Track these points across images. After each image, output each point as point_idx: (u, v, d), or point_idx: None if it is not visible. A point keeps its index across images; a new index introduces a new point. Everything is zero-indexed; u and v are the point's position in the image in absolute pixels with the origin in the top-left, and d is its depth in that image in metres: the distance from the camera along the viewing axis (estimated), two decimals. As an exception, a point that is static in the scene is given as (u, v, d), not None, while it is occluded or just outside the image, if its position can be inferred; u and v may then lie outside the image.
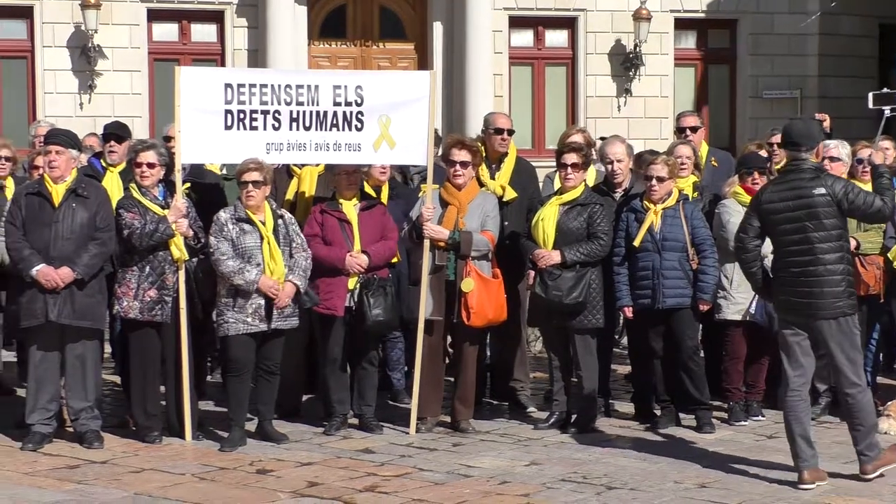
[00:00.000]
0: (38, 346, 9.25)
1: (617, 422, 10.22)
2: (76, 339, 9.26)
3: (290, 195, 10.26)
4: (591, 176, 10.52)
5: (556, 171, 10.53)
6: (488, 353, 10.81)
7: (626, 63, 21.61)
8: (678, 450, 9.27)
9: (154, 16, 20.64)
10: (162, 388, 9.65)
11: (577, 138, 10.68)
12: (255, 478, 8.50)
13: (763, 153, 11.16)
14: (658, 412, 10.12)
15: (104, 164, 10.73)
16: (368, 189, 10.18)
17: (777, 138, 12.51)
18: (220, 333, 9.35)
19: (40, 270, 9.05)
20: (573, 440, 9.57)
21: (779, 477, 8.42)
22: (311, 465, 8.79)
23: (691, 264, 9.74)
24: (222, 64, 20.46)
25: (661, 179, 9.75)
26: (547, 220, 9.74)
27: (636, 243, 9.69)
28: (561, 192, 9.88)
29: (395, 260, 10.07)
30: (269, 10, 20.25)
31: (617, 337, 11.62)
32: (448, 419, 9.99)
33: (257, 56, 20.52)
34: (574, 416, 9.88)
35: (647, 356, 10.00)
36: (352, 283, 9.68)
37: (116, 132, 10.83)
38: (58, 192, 9.24)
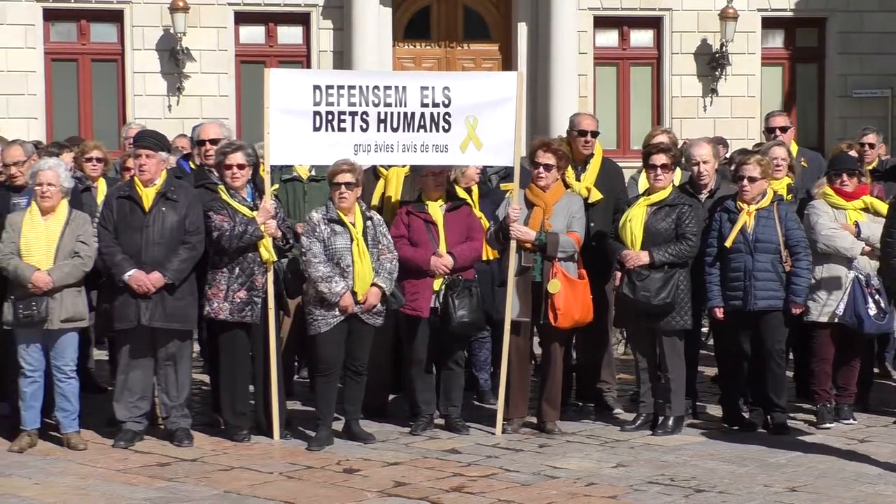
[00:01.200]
0: (130, 347, 9.39)
1: (705, 424, 10.14)
2: (167, 340, 9.38)
3: (376, 196, 10.31)
4: (676, 177, 10.44)
5: (640, 172, 10.49)
6: (574, 355, 10.77)
7: (712, 63, 21.45)
8: (767, 453, 9.18)
9: (241, 18, 20.84)
10: (250, 388, 9.74)
11: (662, 139, 10.64)
12: (342, 477, 8.55)
13: (853, 153, 11.02)
14: (746, 415, 10.02)
15: (192, 166, 10.84)
16: (460, 190, 10.21)
17: (869, 138, 12.38)
18: (309, 332, 9.40)
19: (132, 276, 9.17)
20: (660, 442, 9.51)
21: (870, 481, 8.32)
22: (398, 465, 8.83)
23: (784, 266, 9.63)
24: (308, 65, 20.64)
25: (752, 179, 9.66)
26: (635, 220, 9.69)
27: (728, 244, 9.61)
28: (649, 192, 9.82)
29: (491, 257, 10.07)
30: (355, 11, 20.36)
31: (704, 338, 11.53)
32: (534, 420, 9.98)
33: (342, 58, 20.64)
34: (661, 418, 9.81)
35: (736, 358, 9.91)
36: (437, 284, 9.70)
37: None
38: (148, 195, 9.35)
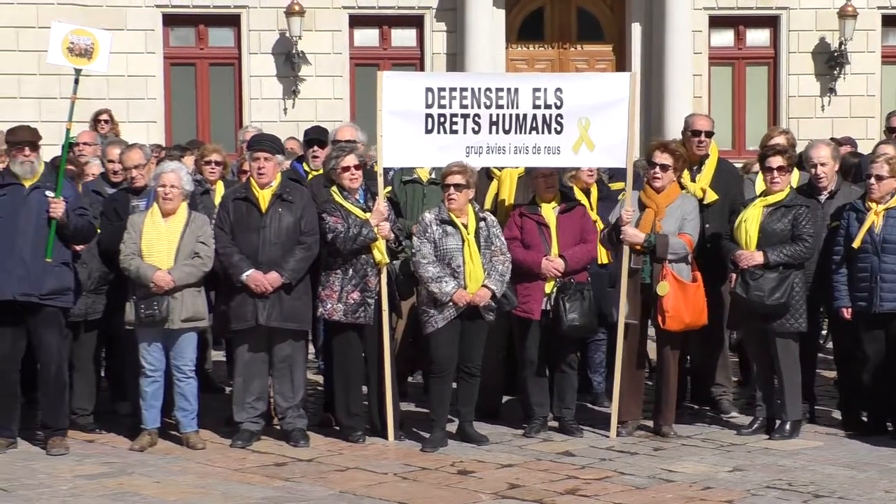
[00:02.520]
0: (247, 347, 9.50)
1: (822, 428, 9.99)
2: (283, 341, 9.48)
3: (489, 198, 10.32)
4: (794, 178, 10.31)
5: (756, 173, 10.36)
6: (689, 357, 10.68)
7: (830, 62, 21.13)
8: (888, 458, 9.02)
9: (355, 21, 21.01)
10: (364, 389, 9.81)
11: (779, 140, 10.52)
12: (456, 478, 8.58)
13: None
14: (866, 419, 9.86)
15: (306, 169, 10.95)
16: (579, 192, 10.18)
17: None
18: (425, 331, 9.45)
19: (250, 276, 9.29)
20: (777, 446, 9.39)
21: None
22: (512, 467, 8.82)
23: None
24: (421, 68, 20.73)
25: (879, 178, 9.50)
26: (750, 221, 9.58)
27: (855, 244, 9.45)
28: (766, 194, 9.71)
29: (605, 261, 10.03)
30: (468, 13, 20.41)
31: (822, 341, 11.35)
32: (649, 423, 9.92)
33: (455, 60, 20.70)
34: (778, 422, 9.69)
35: (857, 361, 9.74)
36: (549, 286, 9.68)
37: (319, 137, 11.03)
38: (264, 197, 9.47)
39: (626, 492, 8.19)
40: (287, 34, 20.40)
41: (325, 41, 20.73)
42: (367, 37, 21.26)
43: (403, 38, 21.32)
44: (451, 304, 9.29)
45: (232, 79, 20.91)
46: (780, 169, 9.59)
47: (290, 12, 20.22)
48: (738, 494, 8.11)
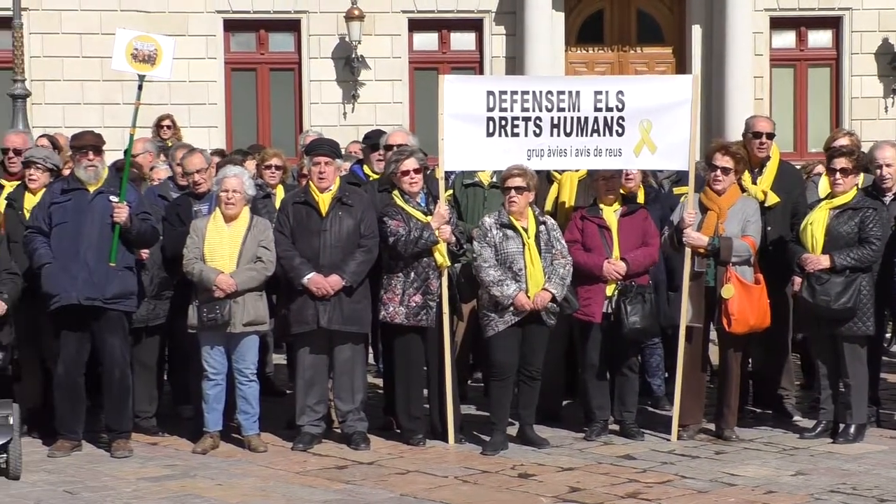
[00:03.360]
0: (308, 351, 9.54)
1: (888, 432, 9.88)
2: (343, 344, 9.51)
3: (549, 201, 10.30)
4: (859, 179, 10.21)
5: (819, 175, 10.28)
6: (750, 361, 10.60)
7: (893, 62, 20.94)
8: (954, 462, 8.93)
9: (415, 25, 21.06)
10: (425, 392, 9.82)
11: (843, 141, 10.44)
12: (517, 481, 8.57)
13: None
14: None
15: (367, 173, 10.97)
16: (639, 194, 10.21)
17: None
18: (486, 334, 9.44)
19: (311, 279, 9.33)
20: (841, 450, 9.29)
21: None
22: (573, 471, 8.80)
23: None
24: (480, 71, 20.75)
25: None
26: (816, 224, 9.50)
27: None
28: (831, 196, 9.62)
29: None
30: (527, 17, 20.40)
31: (886, 345, 11.23)
32: (711, 426, 9.86)
33: (514, 63, 20.70)
34: (842, 426, 9.60)
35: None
36: (610, 289, 9.65)
37: (379, 141, 11.04)
38: (324, 200, 9.51)
39: (688, 495, 8.15)
40: (347, 39, 20.48)
41: (384, 45, 20.79)
42: (427, 41, 21.31)
43: (463, 41, 21.35)
44: (511, 307, 9.28)
45: (292, 83, 21.03)
46: (843, 171, 9.50)
47: (349, 17, 20.30)
48: (802, 499, 8.05)
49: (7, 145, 10.34)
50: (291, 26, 20.87)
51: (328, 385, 9.70)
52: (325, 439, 9.65)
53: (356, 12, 20.26)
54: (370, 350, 10.38)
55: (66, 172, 9.98)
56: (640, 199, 10.39)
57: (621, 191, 10.04)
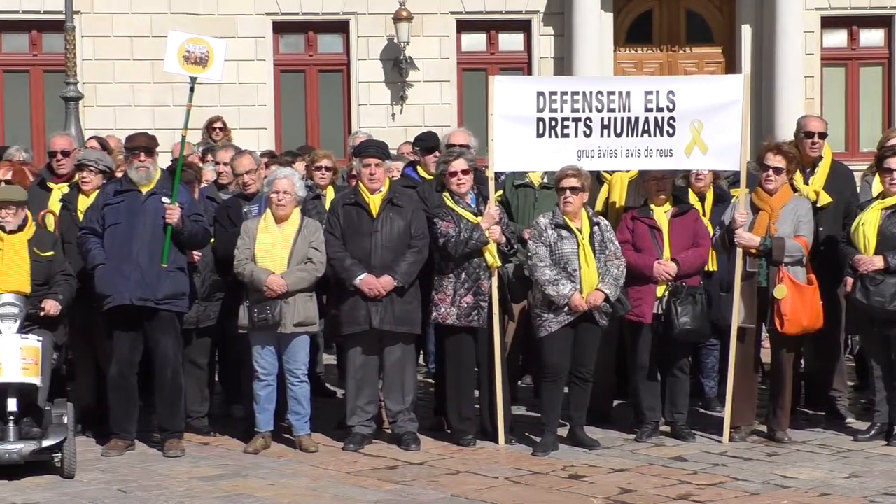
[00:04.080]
0: (359, 351, 9.56)
1: (943, 435, 9.80)
2: (394, 344, 9.53)
3: (600, 202, 10.29)
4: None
5: (873, 174, 10.19)
6: (803, 362, 10.54)
7: (946, 62, 20.75)
8: None
9: (463, 27, 21.06)
10: (475, 392, 9.82)
11: (897, 141, 10.34)
12: (567, 483, 8.55)
13: None
14: None
15: (422, 175, 10.98)
16: (693, 197, 10.13)
17: None
18: (538, 335, 9.43)
19: (363, 280, 9.35)
20: (896, 453, 9.25)
21: None
22: (624, 472, 8.78)
23: None
24: (528, 72, 20.72)
25: None
26: (868, 224, 9.43)
27: None
28: (884, 196, 9.55)
29: (711, 268, 9.96)
30: (576, 17, 20.36)
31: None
32: (763, 428, 9.80)
33: (563, 64, 20.67)
34: (896, 428, 9.53)
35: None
36: (660, 290, 9.62)
37: (436, 143, 11.04)
38: (375, 202, 9.53)
39: (740, 497, 8.11)
40: (395, 40, 20.52)
41: (432, 46, 20.81)
42: (475, 41, 21.30)
43: (511, 42, 21.33)
44: (565, 307, 9.27)
45: (340, 85, 21.08)
46: (897, 170, 9.44)
47: (398, 18, 20.34)
48: (856, 501, 7.98)
49: (54, 148, 10.43)
50: (340, 28, 20.92)
51: (379, 385, 9.72)
52: (375, 440, 9.67)
53: (404, 13, 20.29)
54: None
55: (120, 174, 10.05)
56: (709, 200, 10.35)
57: (693, 191, 10.02)
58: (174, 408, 9.45)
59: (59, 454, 8.66)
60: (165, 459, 9.24)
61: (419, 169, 10.96)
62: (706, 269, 9.98)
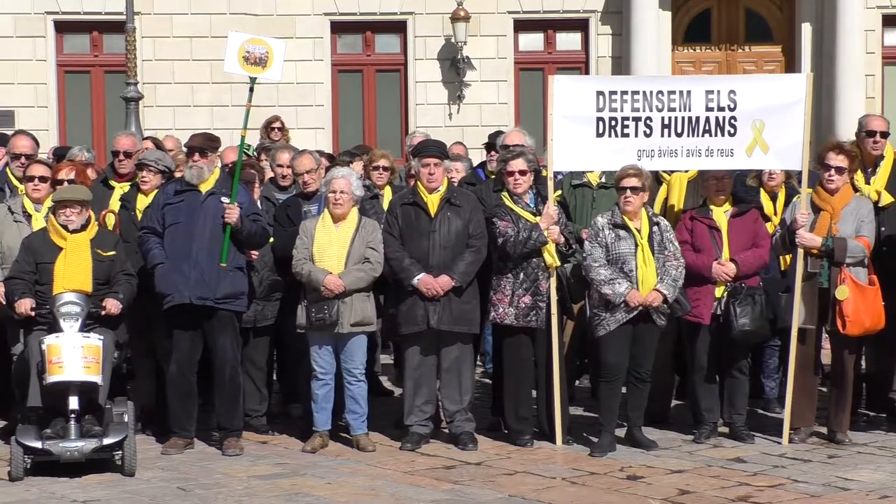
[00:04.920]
0: (416, 351, 9.57)
1: None
2: (452, 344, 9.53)
3: (658, 202, 10.24)
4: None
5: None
6: (864, 363, 10.44)
7: None
8: None
9: (520, 26, 21.03)
10: (533, 393, 9.80)
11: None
12: (625, 483, 8.52)
13: None
14: None
15: (487, 173, 10.99)
16: (765, 197, 10.06)
17: None
18: (596, 334, 9.41)
19: (421, 279, 9.36)
20: (960, 455, 9.15)
21: None
22: (682, 473, 8.74)
23: None
24: (586, 71, 20.68)
25: None
26: (931, 225, 9.35)
27: None
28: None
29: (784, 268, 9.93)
30: (634, 16, 20.28)
31: None
32: (823, 430, 9.72)
33: (620, 63, 20.59)
34: (961, 430, 9.43)
35: None
36: (719, 291, 9.57)
37: (494, 142, 11.06)
38: (433, 201, 9.54)
39: (800, 500, 8.05)
40: (452, 40, 20.52)
41: (490, 46, 20.80)
42: (532, 41, 21.27)
43: (568, 41, 21.27)
44: (623, 307, 9.23)
45: (398, 85, 21.11)
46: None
47: (455, 18, 20.34)
48: (918, 505, 7.92)
49: (117, 147, 10.52)
50: (398, 28, 20.96)
51: (436, 385, 9.73)
52: (432, 439, 9.67)
53: (462, 13, 20.30)
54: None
55: (179, 174, 10.12)
56: (781, 199, 10.28)
57: (765, 190, 9.96)
58: (233, 407, 9.50)
59: (120, 452, 8.73)
60: (224, 458, 9.29)
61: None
62: (781, 270, 9.93)
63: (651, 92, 9.64)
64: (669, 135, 9.62)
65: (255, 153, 13.24)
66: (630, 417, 9.58)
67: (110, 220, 9.88)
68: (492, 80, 20.82)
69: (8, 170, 10.77)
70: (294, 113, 19.87)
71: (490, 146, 11.02)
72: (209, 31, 19.95)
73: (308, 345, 9.50)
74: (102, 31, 20.41)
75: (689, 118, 9.61)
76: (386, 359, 12.24)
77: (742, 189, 10.32)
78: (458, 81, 20.72)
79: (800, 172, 9.82)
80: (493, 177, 10.76)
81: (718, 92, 9.62)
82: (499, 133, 11.29)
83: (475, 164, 12.28)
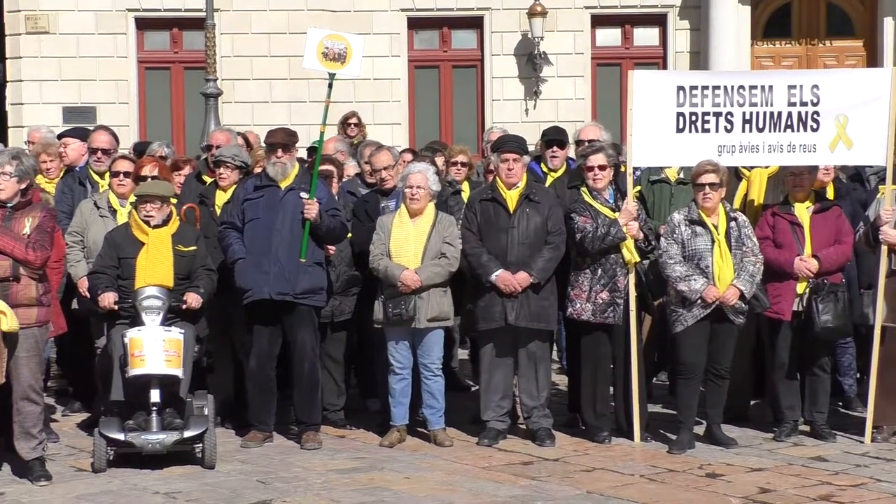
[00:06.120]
0: (494, 347, 9.56)
1: None
2: (529, 340, 9.51)
3: (738, 198, 10.16)
4: None
5: None
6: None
7: None
8: None
9: (597, 21, 20.94)
10: (610, 389, 9.76)
11: None
12: (704, 481, 8.46)
13: None
14: None
15: (544, 170, 10.96)
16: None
17: None
18: (673, 330, 9.35)
19: (499, 276, 9.35)
20: None
21: None
22: (762, 472, 8.66)
23: None
24: (664, 67, 20.54)
25: None
26: None
27: None
28: None
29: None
30: (713, 11, 20.12)
31: None
32: (905, 429, 9.61)
33: (699, 58, 20.43)
34: None
35: None
36: (801, 287, 9.47)
37: (559, 137, 11.02)
38: (512, 197, 9.52)
39: (883, 499, 7.97)
40: (529, 35, 20.47)
41: (566, 41, 20.73)
42: (609, 36, 21.16)
43: (646, 36, 21.15)
44: (699, 303, 9.17)
45: (474, 80, 21.09)
46: None
47: (532, 13, 20.29)
48: None
49: (213, 142, 10.62)
50: (474, 23, 20.95)
51: (513, 381, 9.72)
52: (509, 435, 9.66)
53: (539, 9, 20.23)
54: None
55: (258, 170, 10.19)
56: (829, 194, 10.17)
57: (816, 185, 9.85)
58: (311, 401, 9.55)
59: (201, 445, 8.81)
60: (303, 452, 9.34)
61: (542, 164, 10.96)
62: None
63: (732, 87, 9.56)
64: (751, 130, 9.54)
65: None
66: (709, 414, 9.51)
67: (193, 215, 9.93)
68: (568, 76, 20.74)
69: (89, 165, 10.90)
70: (371, 109, 19.88)
71: (551, 142, 10.92)
72: (287, 28, 20.06)
73: (385, 339, 9.52)
74: (182, 28, 20.59)
75: (771, 113, 9.52)
76: (463, 354, 12.24)
77: (842, 185, 10.28)
78: (535, 77, 20.67)
79: (881, 169, 9.70)
80: (552, 173, 10.72)
81: (801, 87, 9.53)
82: (556, 128, 11.21)
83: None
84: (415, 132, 20.81)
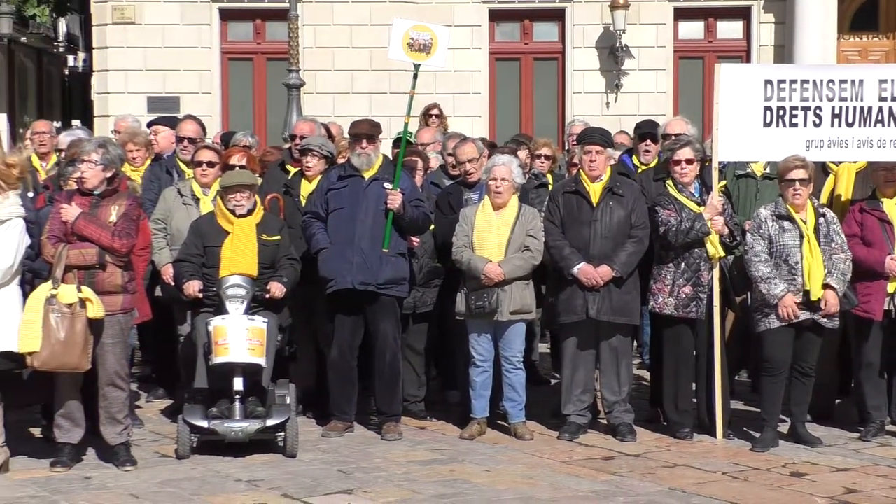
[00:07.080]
0: (575, 340, 9.52)
1: None
2: (611, 334, 9.47)
3: (825, 193, 10.03)
4: None
5: None
6: None
7: None
8: None
9: (681, 14, 20.77)
10: (693, 385, 9.68)
11: None
12: (788, 480, 8.37)
13: None
14: None
15: (636, 163, 10.89)
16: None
17: None
18: (757, 329, 9.25)
19: (581, 269, 9.30)
20: None
21: None
22: (848, 472, 8.55)
23: None
24: (747, 60, 20.30)
25: None
26: None
27: None
28: None
29: None
30: (798, 4, 19.86)
31: None
32: None
33: (783, 52, 20.20)
34: None
35: None
36: (892, 286, 9.33)
37: (651, 131, 10.95)
38: (595, 190, 9.47)
39: (973, 503, 7.83)
40: (611, 28, 20.35)
41: (649, 34, 20.57)
42: (692, 29, 20.97)
43: (729, 30, 20.93)
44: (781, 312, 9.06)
45: (555, 73, 21.01)
46: None
47: (614, 6, 20.16)
48: None
49: (296, 132, 10.69)
50: (556, 16, 20.86)
51: (594, 375, 9.67)
52: (590, 429, 9.63)
53: (621, 1, 20.10)
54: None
55: (341, 160, 10.22)
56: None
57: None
58: (392, 391, 9.57)
59: (283, 433, 8.87)
60: (383, 442, 9.36)
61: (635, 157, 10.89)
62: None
63: (821, 81, 9.45)
64: (840, 125, 9.42)
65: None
66: (793, 413, 9.40)
67: (277, 205, 9.98)
68: (650, 69, 20.59)
69: (176, 154, 11.01)
70: (451, 101, 19.86)
71: (645, 135, 10.86)
72: (369, 20, 20.12)
73: (467, 332, 9.51)
74: (265, 19, 20.71)
75: (861, 108, 9.40)
76: (544, 347, 12.20)
77: None
78: (616, 70, 20.55)
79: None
80: (643, 167, 10.65)
81: (892, 81, 9.41)
82: (650, 123, 11.13)
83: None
84: (495, 124, 20.77)
